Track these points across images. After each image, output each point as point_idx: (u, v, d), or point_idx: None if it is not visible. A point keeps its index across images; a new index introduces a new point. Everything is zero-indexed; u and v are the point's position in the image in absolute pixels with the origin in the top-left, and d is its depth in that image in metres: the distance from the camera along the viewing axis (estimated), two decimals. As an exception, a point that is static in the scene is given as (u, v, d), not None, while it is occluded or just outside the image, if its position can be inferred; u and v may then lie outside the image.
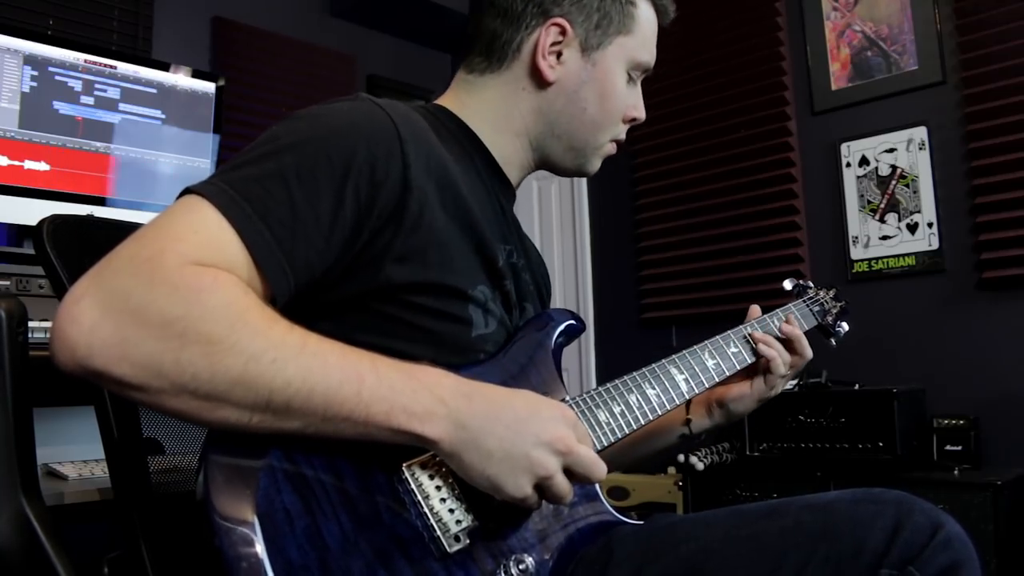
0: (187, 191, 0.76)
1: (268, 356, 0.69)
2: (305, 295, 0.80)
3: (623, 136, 1.08)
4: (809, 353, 1.15)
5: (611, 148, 1.08)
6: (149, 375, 0.67)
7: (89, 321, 0.66)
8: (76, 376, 0.68)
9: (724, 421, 1.18)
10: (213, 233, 0.73)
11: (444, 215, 0.88)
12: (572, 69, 1.01)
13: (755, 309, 1.20)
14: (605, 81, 1.02)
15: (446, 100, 1.05)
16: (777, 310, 1.20)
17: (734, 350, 1.11)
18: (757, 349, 1.12)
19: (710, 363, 1.07)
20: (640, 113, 1.08)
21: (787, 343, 1.14)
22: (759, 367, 1.13)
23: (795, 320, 1.17)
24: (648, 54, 1.05)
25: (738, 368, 1.10)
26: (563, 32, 0.99)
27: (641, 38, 1.03)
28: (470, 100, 1.04)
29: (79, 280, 0.69)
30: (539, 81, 1.01)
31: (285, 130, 0.82)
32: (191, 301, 0.68)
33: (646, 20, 1.04)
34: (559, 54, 1.00)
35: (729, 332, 1.12)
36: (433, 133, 0.92)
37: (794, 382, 2.49)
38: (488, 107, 1.03)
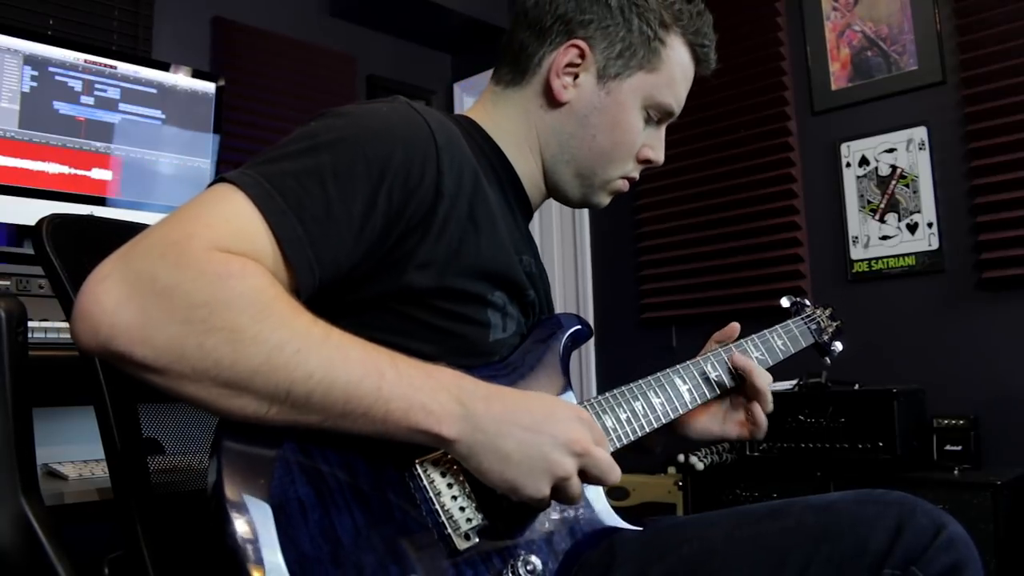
0: (221, 179, 0.76)
1: (291, 347, 0.69)
2: (325, 294, 0.80)
3: (635, 175, 1.07)
4: (768, 405, 1.07)
5: (621, 185, 1.06)
6: (171, 359, 0.66)
7: (113, 301, 0.66)
8: (97, 356, 0.68)
9: (675, 439, 1.12)
10: (244, 223, 0.73)
11: (471, 225, 0.88)
12: (586, 93, 1.00)
13: (733, 327, 1.14)
14: (618, 112, 1.00)
15: (474, 112, 1.06)
16: (753, 335, 1.15)
17: (701, 379, 1.06)
18: (752, 411, 1.07)
19: (712, 374, 1.07)
20: (656, 156, 1.05)
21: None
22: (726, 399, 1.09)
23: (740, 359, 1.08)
24: (671, 97, 1.02)
25: (699, 403, 1.05)
26: (582, 55, 0.99)
27: (666, 79, 1.01)
28: (496, 113, 1.04)
29: (105, 260, 0.69)
30: (551, 100, 1.01)
31: (323, 127, 0.81)
32: (217, 287, 0.67)
33: (676, 63, 1.01)
34: (576, 76, 1.00)
35: (698, 359, 1.08)
36: (466, 144, 0.92)
37: (793, 382, 2.49)
38: (510, 122, 1.03)
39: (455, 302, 0.87)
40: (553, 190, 1.07)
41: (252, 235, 0.73)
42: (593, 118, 1.00)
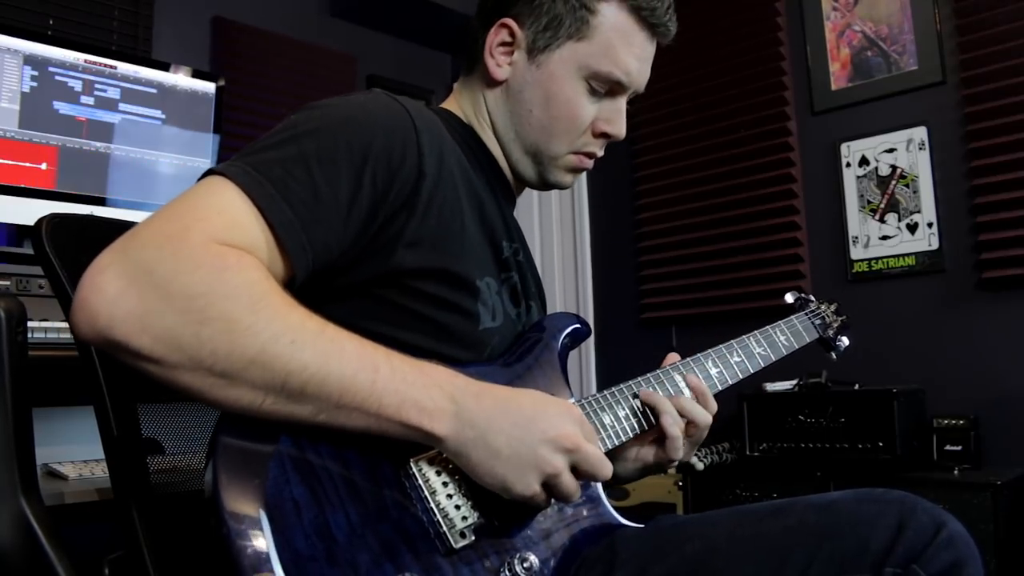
0: (210, 172, 0.77)
1: (287, 338, 0.70)
2: (317, 279, 0.81)
3: (594, 150, 1.04)
4: (705, 419, 0.97)
5: (576, 161, 1.03)
6: (168, 348, 0.68)
7: (113, 291, 0.67)
8: (95, 346, 0.70)
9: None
10: (236, 213, 0.74)
11: (456, 204, 0.89)
12: (519, 70, 1.01)
13: (672, 357, 1.04)
14: (550, 84, 0.99)
15: (448, 104, 1.07)
16: (696, 356, 1.06)
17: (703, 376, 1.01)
18: (657, 419, 0.96)
19: (713, 371, 1.07)
20: (613, 129, 1.02)
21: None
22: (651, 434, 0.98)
23: (695, 380, 1.00)
24: (612, 65, 0.99)
25: (637, 431, 0.96)
26: (512, 33, 1.00)
27: (601, 47, 0.98)
28: (462, 101, 1.06)
29: (103, 252, 0.70)
30: (490, 80, 1.02)
31: (304, 118, 0.83)
32: (214, 279, 0.68)
33: (611, 29, 0.98)
34: (511, 54, 1.01)
35: (689, 360, 1.02)
36: (446, 130, 0.94)
37: (793, 382, 2.49)
38: (471, 108, 1.05)
39: (443, 285, 0.87)
40: (514, 172, 1.06)
41: (245, 225, 0.74)
42: (527, 93, 1.00)
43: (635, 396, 0.97)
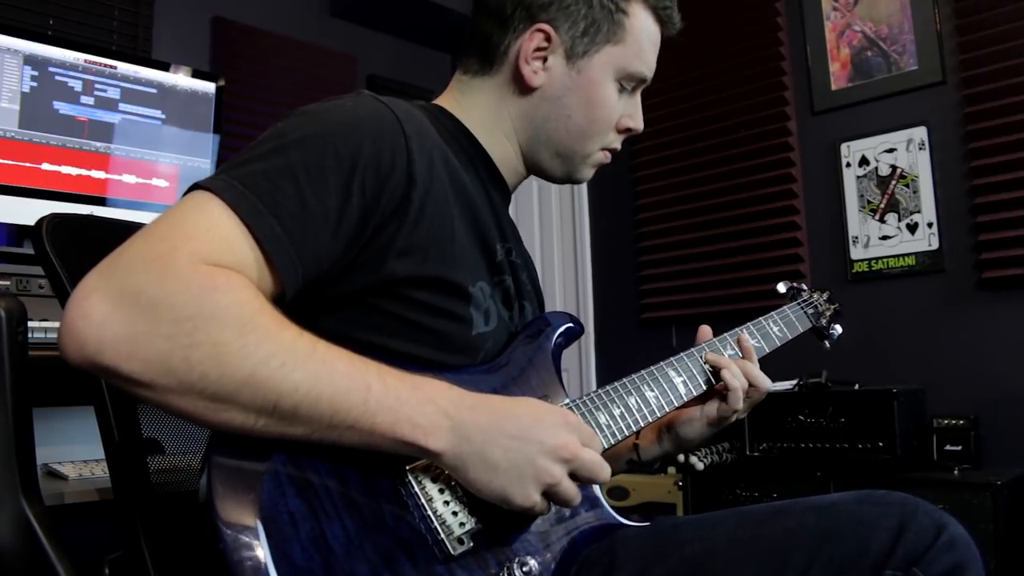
0: (195, 186, 0.76)
1: (277, 360, 0.69)
2: (308, 291, 0.80)
3: (616, 145, 1.06)
4: (766, 384, 1.07)
5: (603, 157, 1.06)
6: (158, 373, 0.67)
7: (100, 316, 0.66)
8: (83, 370, 0.68)
9: (673, 448, 1.12)
10: (224, 231, 0.73)
11: (447, 210, 0.88)
12: (556, 76, 1.00)
13: (705, 330, 1.12)
14: (591, 89, 1.00)
15: (443, 101, 1.05)
16: (744, 326, 1.15)
17: (696, 370, 1.05)
18: (719, 375, 1.05)
19: (706, 366, 1.07)
20: (636, 124, 1.06)
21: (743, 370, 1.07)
22: (714, 392, 1.07)
23: (748, 344, 1.10)
24: (642, 64, 1.02)
25: (695, 394, 1.05)
26: (548, 38, 0.98)
27: (634, 48, 1.01)
28: (465, 101, 1.04)
29: (88, 275, 0.69)
30: (523, 86, 1.00)
31: (290, 126, 0.82)
32: (203, 301, 0.67)
33: (641, 30, 1.01)
34: (544, 60, 0.99)
35: (693, 350, 1.08)
36: (435, 130, 0.92)
37: (793, 382, 2.49)
38: (480, 110, 1.03)
39: (435, 293, 0.86)
40: (534, 170, 1.07)
41: (233, 243, 0.73)
42: (566, 99, 1.00)
43: (630, 394, 0.97)
